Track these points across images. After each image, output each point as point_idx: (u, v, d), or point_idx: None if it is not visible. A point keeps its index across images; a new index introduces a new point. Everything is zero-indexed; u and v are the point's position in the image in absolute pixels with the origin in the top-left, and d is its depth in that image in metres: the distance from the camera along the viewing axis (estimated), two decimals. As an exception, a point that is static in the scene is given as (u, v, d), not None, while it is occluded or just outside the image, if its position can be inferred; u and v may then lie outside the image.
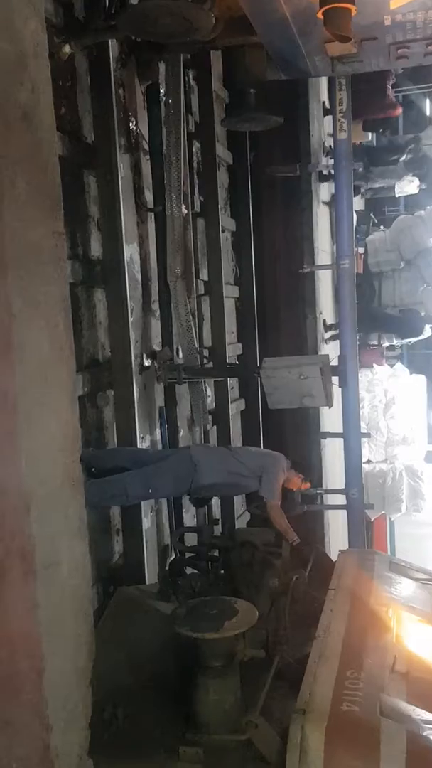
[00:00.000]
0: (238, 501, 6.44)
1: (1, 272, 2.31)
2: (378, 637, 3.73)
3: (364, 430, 6.81)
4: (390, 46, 4.29)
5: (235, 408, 7.09)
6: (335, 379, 5.35)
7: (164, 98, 5.39)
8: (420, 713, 3.22)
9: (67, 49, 3.77)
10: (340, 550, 4.75)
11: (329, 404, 5.25)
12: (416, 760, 2.93)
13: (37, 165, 2.51)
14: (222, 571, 4.21)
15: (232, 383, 7.06)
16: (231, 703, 3.22)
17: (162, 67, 5.39)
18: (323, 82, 7.54)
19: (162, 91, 5.43)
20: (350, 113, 5.10)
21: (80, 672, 2.71)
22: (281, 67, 4.69)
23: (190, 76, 6.30)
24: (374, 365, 9.46)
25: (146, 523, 4.95)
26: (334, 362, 5.40)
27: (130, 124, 5.09)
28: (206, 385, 6.14)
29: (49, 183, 2.60)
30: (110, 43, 4.55)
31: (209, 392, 6.44)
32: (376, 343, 9.23)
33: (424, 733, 3.11)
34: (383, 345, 9.46)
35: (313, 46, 4.30)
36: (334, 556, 4.58)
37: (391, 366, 10.06)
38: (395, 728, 3.08)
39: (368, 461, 9.02)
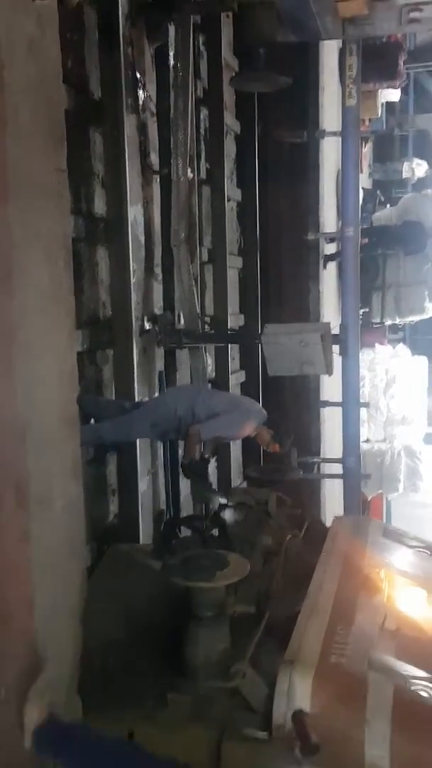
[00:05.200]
0: (236, 465, 6.47)
1: (3, 202, 2.29)
2: (369, 597, 3.75)
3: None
4: (402, 8, 4.25)
5: (236, 379, 7.09)
6: (336, 348, 5.34)
7: (173, 61, 5.36)
8: (408, 669, 3.25)
9: (75, -6, 3.72)
10: (335, 516, 4.78)
11: (329, 372, 5.25)
12: (402, 713, 2.96)
13: (41, 98, 2.49)
14: (216, 530, 4.22)
15: (233, 354, 7.06)
16: (220, 653, 3.24)
17: (172, 30, 5.35)
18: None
19: (171, 53, 5.40)
20: (360, 80, 5.06)
21: (71, 609, 2.73)
22: (292, 28, 4.65)
23: (200, 42, 6.25)
24: (376, 345, 9.46)
25: (142, 485, 4.96)
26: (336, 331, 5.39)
27: (138, 84, 5.05)
28: (207, 353, 6.15)
29: (53, 117, 2.58)
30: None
31: (209, 360, 6.45)
32: (378, 321, 9.22)
33: (412, 688, 3.14)
34: (386, 324, 9.46)
35: (323, 6, 4.27)
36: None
37: (393, 346, 10.06)
38: (382, 681, 3.10)
39: (367, 440, 9.03)
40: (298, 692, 3.00)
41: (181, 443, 4.91)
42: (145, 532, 4.85)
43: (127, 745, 2.64)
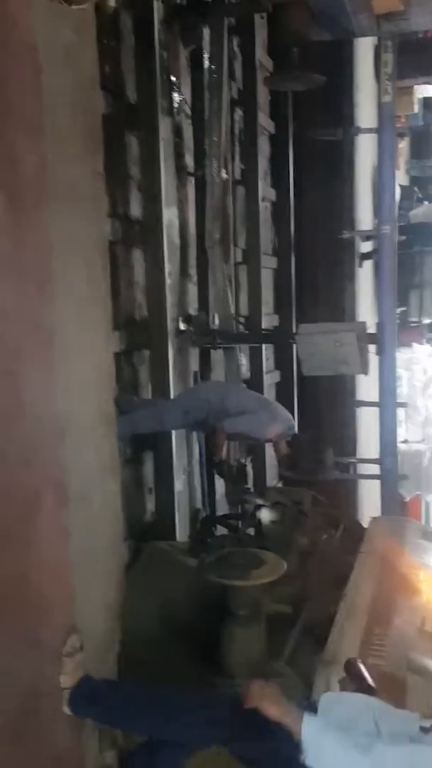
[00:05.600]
0: (271, 464, 6.46)
1: (41, 204, 2.35)
2: (407, 599, 3.72)
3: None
4: (439, 2, 4.20)
5: (270, 379, 7.09)
6: (372, 348, 5.29)
7: (207, 63, 5.39)
8: (448, 671, 3.21)
9: (112, 2, 3.77)
10: (372, 517, 4.74)
11: (365, 372, 5.20)
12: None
13: (78, 102, 2.54)
14: (252, 529, 4.24)
15: (268, 354, 7.05)
16: (256, 651, 3.25)
17: (206, 32, 5.38)
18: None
19: (205, 56, 5.43)
20: (395, 76, 5.01)
21: (109, 604, 2.78)
22: (325, 26, 4.63)
23: (234, 43, 6.26)
24: (414, 344, 9.33)
25: (178, 484, 4.99)
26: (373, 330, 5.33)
27: (173, 87, 5.09)
28: (241, 353, 6.15)
29: (90, 121, 2.63)
30: (155, 3, 4.55)
31: (244, 361, 6.45)
32: (416, 320, 9.10)
33: (452, 690, 3.10)
34: (423, 323, 9.33)
35: (358, 3, 4.24)
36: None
37: (431, 346, 9.90)
38: (422, 684, 3.08)
39: (405, 441, 8.91)
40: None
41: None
42: (182, 531, 4.87)
43: (155, 693, 2.71)
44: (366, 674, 2.52)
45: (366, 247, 7.77)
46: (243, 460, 4.91)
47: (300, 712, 2.14)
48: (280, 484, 6.26)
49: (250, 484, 5.59)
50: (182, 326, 5.18)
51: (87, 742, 2.63)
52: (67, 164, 2.49)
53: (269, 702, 2.20)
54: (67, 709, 2.53)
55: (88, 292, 2.59)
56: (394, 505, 5.43)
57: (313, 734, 2.07)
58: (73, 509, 2.45)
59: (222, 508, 5.60)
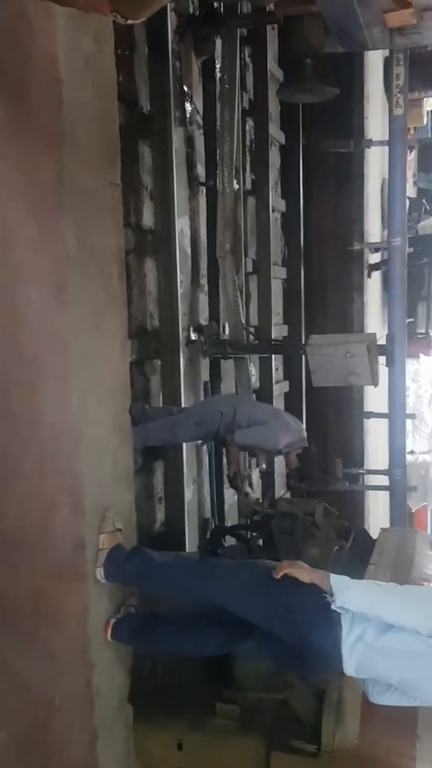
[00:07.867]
0: (280, 475, 6.44)
1: (59, 215, 2.35)
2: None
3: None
4: (452, 16, 4.22)
5: (279, 389, 7.09)
6: (382, 359, 5.29)
7: (219, 74, 5.42)
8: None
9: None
10: (381, 528, 4.71)
11: (375, 383, 5.19)
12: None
13: (96, 113, 2.56)
14: (262, 540, 4.22)
15: (277, 365, 7.06)
16: (268, 663, 3.22)
17: (218, 43, 5.42)
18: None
19: (218, 66, 5.46)
20: (407, 89, 5.03)
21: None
22: (339, 38, 4.65)
23: (246, 54, 6.30)
24: (421, 355, 9.33)
25: (188, 494, 4.99)
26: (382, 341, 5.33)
27: (186, 97, 5.12)
28: (251, 363, 6.16)
29: (107, 133, 2.64)
30: (168, 14, 4.58)
31: (254, 371, 6.46)
32: (423, 332, 9.09)
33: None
34: (431, 334, 9.32)
35: (372, 17, 4.25)
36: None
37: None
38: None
39: (411, 452, 8.90)
40: (348, 705, 2.98)
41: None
42: (191, 541, 4.87)
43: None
44: None
45: (374, 258, 7.79)
46: (263, 467, 4.94)
47: (327, 573, 2.52)
48: (288, 495, 6.24)
49: (260, 495, 5.59)
50: (193, 336, 5.19)
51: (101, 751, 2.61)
52: (85, 175, 2.50)
53: (299, 568, 2.55)
54: (99, 572, 2.58)
55: (105, 302, 2.59)
56: (403, 516, 5.40)
57: (341, 582, 2.47)
58: (88, 518, 2.45)
59: (231, 518, 5.59)
